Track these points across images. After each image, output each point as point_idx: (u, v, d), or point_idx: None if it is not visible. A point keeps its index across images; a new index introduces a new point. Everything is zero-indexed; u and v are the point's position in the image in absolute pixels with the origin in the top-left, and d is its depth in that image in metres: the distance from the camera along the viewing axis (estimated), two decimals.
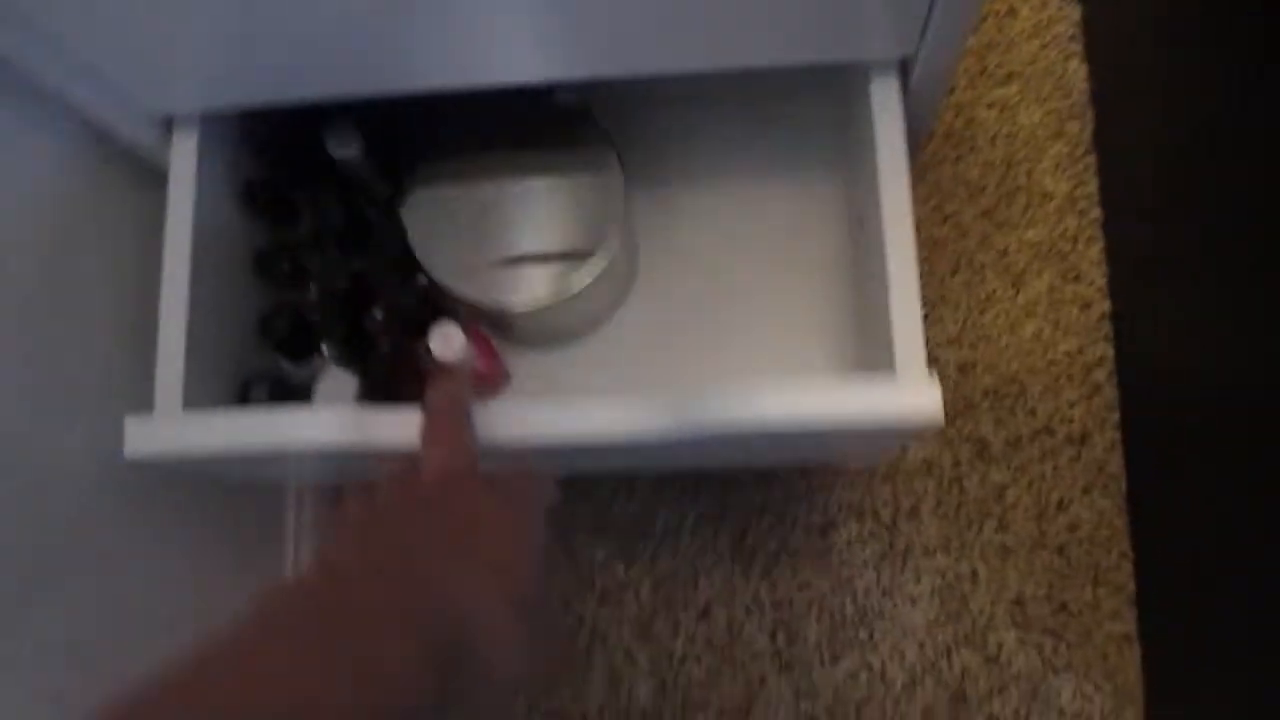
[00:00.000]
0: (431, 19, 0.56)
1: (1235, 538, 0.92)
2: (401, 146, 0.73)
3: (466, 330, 0.68)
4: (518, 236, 0.71)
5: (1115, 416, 1.07)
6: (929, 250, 1.12)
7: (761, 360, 0.81)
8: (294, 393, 0.73)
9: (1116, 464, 1.06)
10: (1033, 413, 1.07)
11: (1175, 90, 1.04)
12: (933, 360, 1.08)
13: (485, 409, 0.58)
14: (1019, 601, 1.04)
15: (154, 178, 0.70)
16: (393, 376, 0.72)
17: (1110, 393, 1.07)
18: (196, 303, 0.65)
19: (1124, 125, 1.11)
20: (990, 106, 1.16)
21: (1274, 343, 0.85)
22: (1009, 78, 1.16)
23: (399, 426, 0.58)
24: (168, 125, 0.69)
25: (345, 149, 0.69)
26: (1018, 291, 1.10)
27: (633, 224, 0.73)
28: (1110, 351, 1.08)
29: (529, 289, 0.70)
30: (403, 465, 0.52)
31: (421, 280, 0.72)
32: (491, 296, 0.70)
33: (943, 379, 1.07)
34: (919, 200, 1.13)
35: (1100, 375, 1.08)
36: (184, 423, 0.62)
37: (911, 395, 0.60)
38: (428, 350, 0.67)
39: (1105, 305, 1.09)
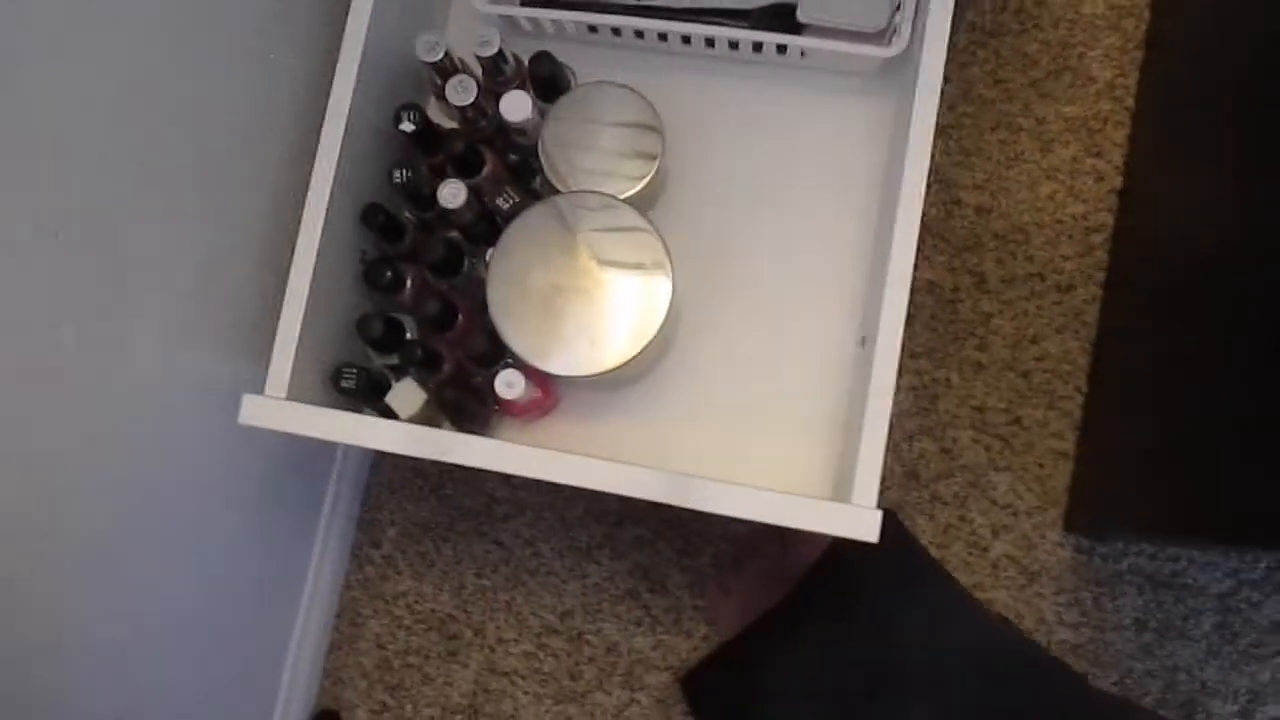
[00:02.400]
0: None
1: (1171, 395, 1.11)
2: (501, 222, 0.90)
3: (524, 368, 0.86)
4: (576, 314, 0.85)
5: (1101, 276, 1.26)
6: (976, 106, 1.30)
7: (759, 436, 0.94)
8: (376, 383, 0.91)
9: (1091, 314, 1.25)
10: (1030, 259, 1.27)
11: (1227, 5, 1.20)
12: (955, 201, 1.28)
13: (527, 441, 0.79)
14: (980, 409, 1.25)
15: None
16: (458, 398, 0.90)
17: (1101, 255, 1.26)
18: (314, 295, 0.85)
19: (1175, 27, 1.27)
20: None
21: (1246, 231, 1.02)
22: None
23: (452, 445, 0.79)
24: None
25: (455, 201, 0.87)
26: (1044, 155, 1.28)
27: (677, 309, 0.87)
28: (1110, 221, 1.27)
29: (579, 360, 0.85)
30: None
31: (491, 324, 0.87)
32: (547, 363, 0.85)
33: (960, 218, 1.28)
34: (978, 63, 1.31)
35: (1097, 239, 1.26)
36: (288, 409, 0.82)
37: (854, 522, 0.77)
38: (491, 387, 0.86)
39: (1117, 181, 1.27)
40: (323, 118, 0.87)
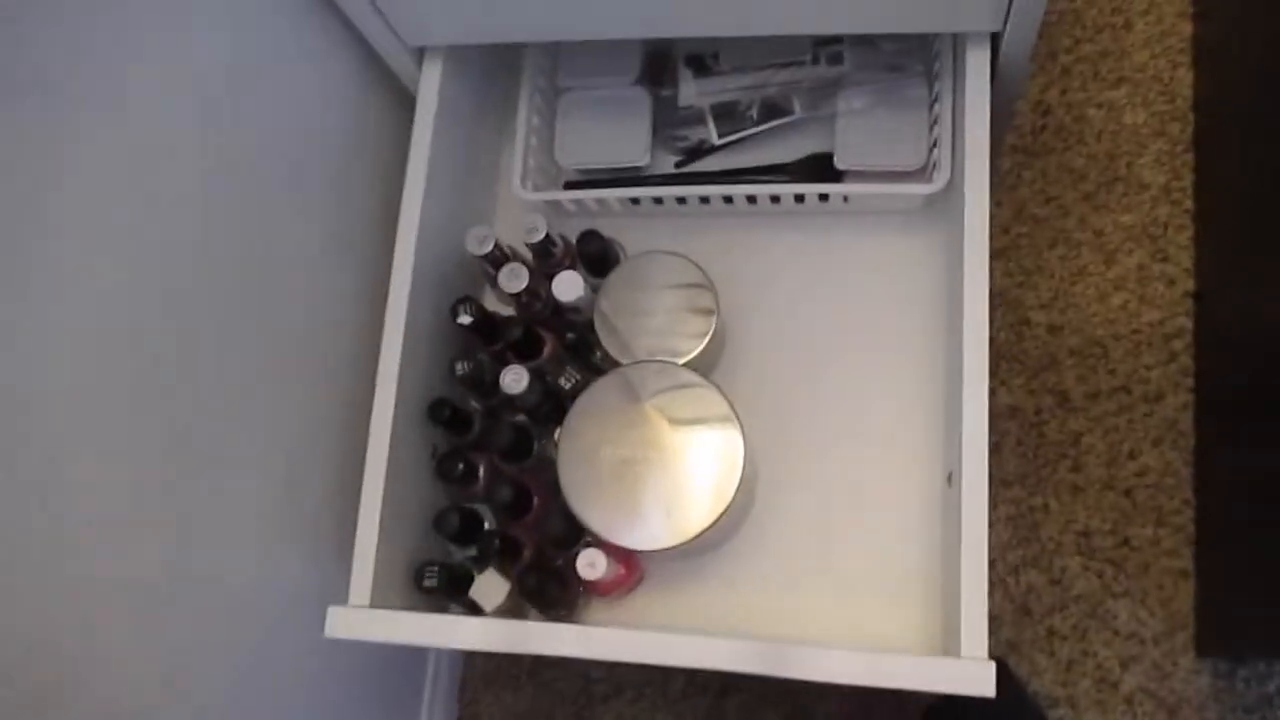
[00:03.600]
0: None
1: None
2: (565, 401, 0.90)
3: (605, 545, 0.85)
4: (651, 484, 0.85)
5: (1189, 381, 1.21)
6: (1030, 226, 1.29)
7: (853, 590, 0.91)
8: (459, 577, 0.90)
9: (1186, 422, 1.20)
10: (1112, 372, 1.23)
11: (1271, 99, 1.19)
12: (1024, 322, 1.26)
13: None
14: (1085, 533, 1.19)
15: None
16: (540, 584, 0.88)
17: (1186, 361, 1.22)
18: (388, 497, 0.85)
19: (1223, 128, 1.27)
20: (1099, 106, 1.32)
21: None
22: (1119, 82, 1.33)
23: (539, 635, 0.79)
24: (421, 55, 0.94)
25: (518, 387, 0.89)
26: (1109, 267, 1.26)
27: (753, 468, 0.86)
28: (1189, 325, 1.23)
29: (659, 532, 0.84)
30: None
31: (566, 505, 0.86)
32: (627, 539, 0.84)
33: (1032, 339, 1.25)
34: (1026, 183, 1.31)
35: (1178, 345, 1.23)
36: (372, 618, 0.82)
37: (966, 677, 0.72)
38: (579, 577, 0.85)
39: (1189, 284, 1.24)
40: (383, 320, 0.89)
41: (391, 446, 0.86)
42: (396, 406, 0.87)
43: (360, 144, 0.99)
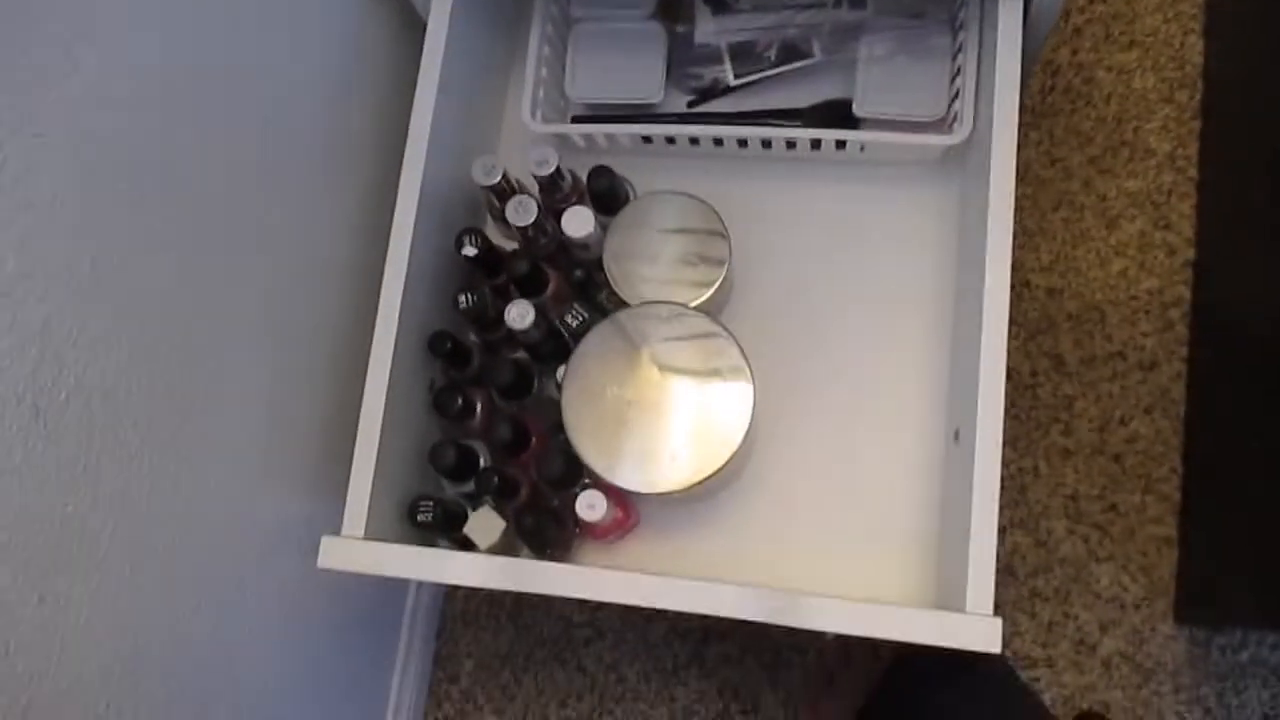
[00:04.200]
0: None
1: (1277, 465, 1.06)
2: (569, 340, 0.88)
3: (604, 487, 0.84)
4: (656, 428, 0.83)
5: (1184, 351, 1.22)
6: (1034, 187, 1.28)
7: (851, 543, 0.90)
8: (452, 513, 0.88)
9: (1179, 391, 1.21)
10: (1109, 338, 1.23)
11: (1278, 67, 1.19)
12: (1023, 284, 1.25)
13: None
14: (1073, 497, 1.20)
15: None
16: (537, 523, 0.88)
17: (1182, 330, 1.22)
18: (385, 430, 0.83)
19: (1231, 97, 1.26)
20: (1109, 69, 1.31)
21: None
22: (1130, 45, 1.32)
23: (540, 574, 0.77)
24: None
25: (523, 322, 0.86)
26: (1110, 232, 1.26)
27: (756, 416, 0.83)
28: (1188, 294, 1.23)
29: (662, 476, 0.82)
30: None
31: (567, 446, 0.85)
32: (629, 482, 0.82)
33: (1031, 301, 1.25)
34: (1032, 144, 1.30)
35: (1175, 314, 1.23)
36: (367, 550, 0.80)
37: (973, 632, 0.72)
38: (577, 519, 0.84)
39: (1190, 253, 1.24)
40: (383, 246, 0.87)
41: (390, 378, 0.84)
42: (398, 337, 0.85)
43: (360, 66, 0.96)
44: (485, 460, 0.94)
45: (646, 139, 0.98)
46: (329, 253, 0.93)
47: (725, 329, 0.84)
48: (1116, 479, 1.19)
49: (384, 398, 0.84)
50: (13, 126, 0.57)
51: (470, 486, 0.91)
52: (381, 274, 0.86)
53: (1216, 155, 1.26)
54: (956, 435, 0.86)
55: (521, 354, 0.94)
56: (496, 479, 0.86)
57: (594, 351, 0.85)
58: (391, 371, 0.84)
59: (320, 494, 0.91)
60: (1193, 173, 1.27)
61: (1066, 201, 1.27)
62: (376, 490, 0.83)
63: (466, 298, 0.90)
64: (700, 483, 0.82)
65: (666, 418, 0.83)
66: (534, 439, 0.90)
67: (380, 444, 0.83)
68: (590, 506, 0.84)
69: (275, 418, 0.87)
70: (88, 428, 0.65)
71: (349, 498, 0.82)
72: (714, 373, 0.84)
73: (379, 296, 0.86)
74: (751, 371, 0.83)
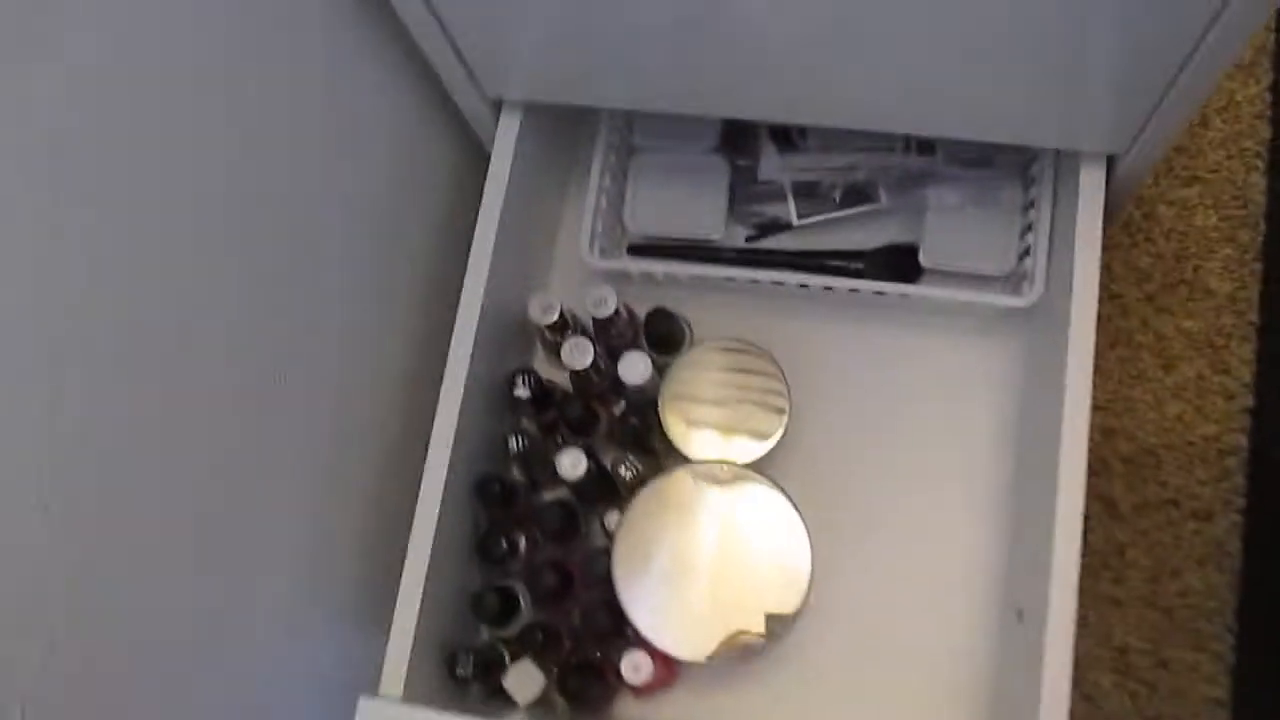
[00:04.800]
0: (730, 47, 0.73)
1: None
2: (615, 488, 0.87)
3: (649, 646, 0.82)
4: (706, 598, 0.82)
5: (1241, 502, 1.19)
6: None
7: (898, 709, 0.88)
8: (491, 662, 0.86)
9: (1234, 544, 1.18)
10: (1163, 484, 1.20)
11: None
12: None
13: None
14: (1122, 650, 1.16)
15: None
16: (579, 685, 0.86)
17: (1239, 480, 1.20)
18: (429, 580, 0.80)
19: None
20: (1170, 204, 1.29)
21: None
22: (1192, 180, 1.30)
23: None
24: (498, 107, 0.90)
25: (575, 472, 0.84)
26: (1168, 374, 1.24)
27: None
28: (1245, 443, 1.20)
29: (709, 643, 0.81)
30: None
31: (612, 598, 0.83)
32: (676, 647, 0.82)
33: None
34: None
35: (1233, 462, 1.20)
36: (407, 716, 0.77)
37: None
38: (618, 673, 0.82)
39: (1248, 400, 1.22)
40: (431, 367, 0.85)
41: (438, 526, 0.82)
42: (447, 482, 0.83)
43: (418, 190, 0.95)
44: (525, 602, 0.91)
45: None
46: (376, 374, 0.92)
47: (792, 503, 0.83)
48: (1167, 633, 1.16)
49: (429, 549, 0.82)
50: None
51: (510, 629, 0.88)
52: (426, 395, 0.85)
53: (1277, 299, 1.24)
54: (1020, 615, 0.83)
55: (566, 494, 0.92)
56: (540, 634, 0.84)
57: (648, 510, 0.84)
58: (439, 519, 0.82)
59: (354, 631, 0.88)
60: (1253, 316, 1.24)
61: (1124, 339, 1.25)
62: (417, 644, 0.80)
63: (518, 440, 0.88)
64: (747, 651, 0.80)
65: (719, 586, 0.81)
66: (577, 585, 0.88)
67: (423, 595, 0.81)
68: (635, 669, 0.82)
69: (316, 555, 0.85)
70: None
71: (389, 651, 0.80)
72: (770, 544, 0.82)
73: (427, 420, 0.84)
74: (811, 546, 0.81)
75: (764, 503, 0.83)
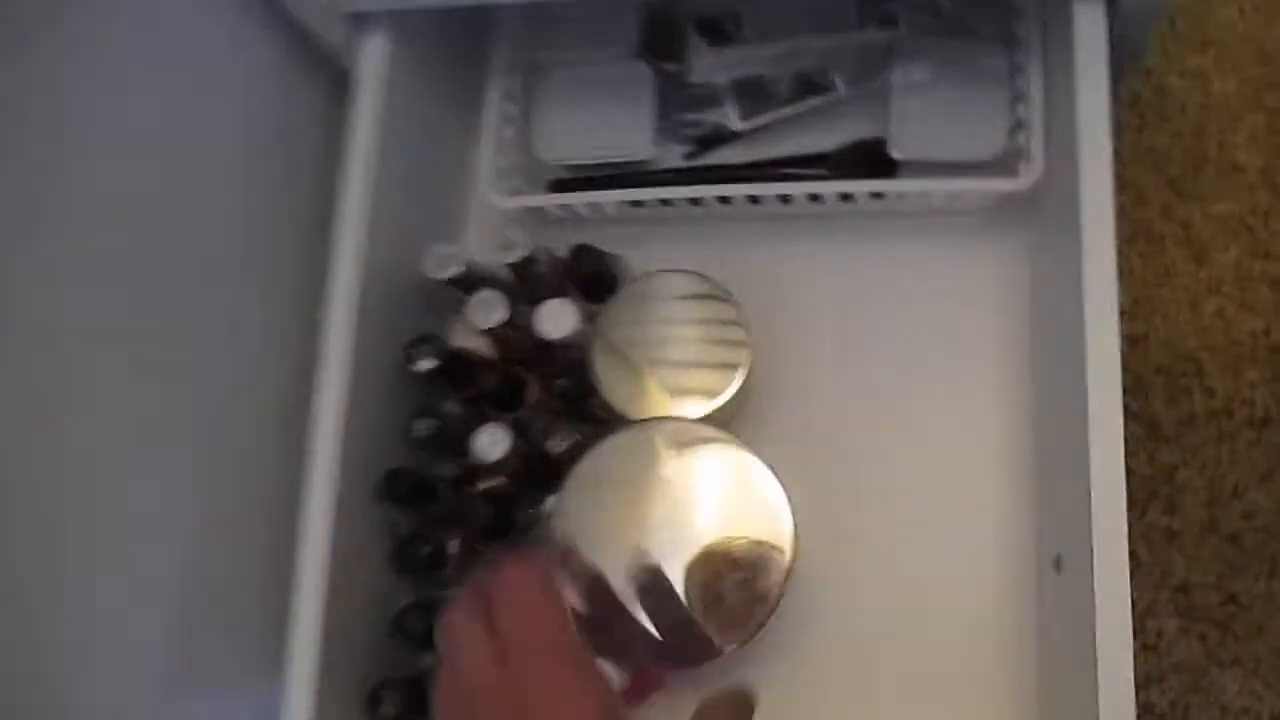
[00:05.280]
0: None
1: None
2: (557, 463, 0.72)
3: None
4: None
5: None
6: None
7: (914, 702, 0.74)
8: (422, 691, 0.69)
9: None
10: (1210, 392, 1.05)
11: None
12: None
13: None
14: (1183, 588, 1.01)
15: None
16: None
17: None
18: (331, 605, 0.67)
19: None
20: (1181, 75, 1.14)
21: None
22: (1204, 44, 1.14)
23: None
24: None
25: (495, 452, 0.71)
26: (1200, 266, 1.08)
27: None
28: None
29: (670, 652, 0.69)
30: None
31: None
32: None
33: None
34: None
35: None
36: None
37: None
38: None
39: None
40: (311, 369, 0.70)
41: (334, 536, 0.67)
42: (339, 483, 0.68)
43: (287, 143, 0.80)
44: None
45: (638, 204, 0.81)
46: (252, 365, 0.77)
47: (769, 468, 0.69)
48: (1234, 563, 1.01)
49: (322, 571, 0.67)
50: None
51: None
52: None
53: None
54: (1057, 563, 0.68)
55: (499, 480, 0.77)
56: None
57: (587, 484, 0.68)
58: (334, 525, 0.68)
59: (269, 671, 0.74)
60: None
61: (1144, 233, 1.09)
62: (325, 688, 0.66)
63: (424, 424, 0.73)
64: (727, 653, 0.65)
65: (682, 576, 0.66)
66: None
67: (324, 627, 0.66)
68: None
69: (191, 587, 0.70)
70: None
71: (287, 702, 0.65)
72: (742, 513, 0.67)
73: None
74: (793, 518, 0.67)
75: (738, 474, 0.68)
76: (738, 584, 0.68)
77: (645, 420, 0.71)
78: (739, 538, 0.68)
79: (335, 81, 0.79)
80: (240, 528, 0.75)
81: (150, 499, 0.67)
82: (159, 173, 0.67)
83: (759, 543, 0.67)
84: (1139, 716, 0.98)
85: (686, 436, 0.69)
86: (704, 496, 0.68)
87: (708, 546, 0.67)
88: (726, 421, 0.75)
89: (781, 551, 0.67)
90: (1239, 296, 1.07)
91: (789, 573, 0.67)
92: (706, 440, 0.69)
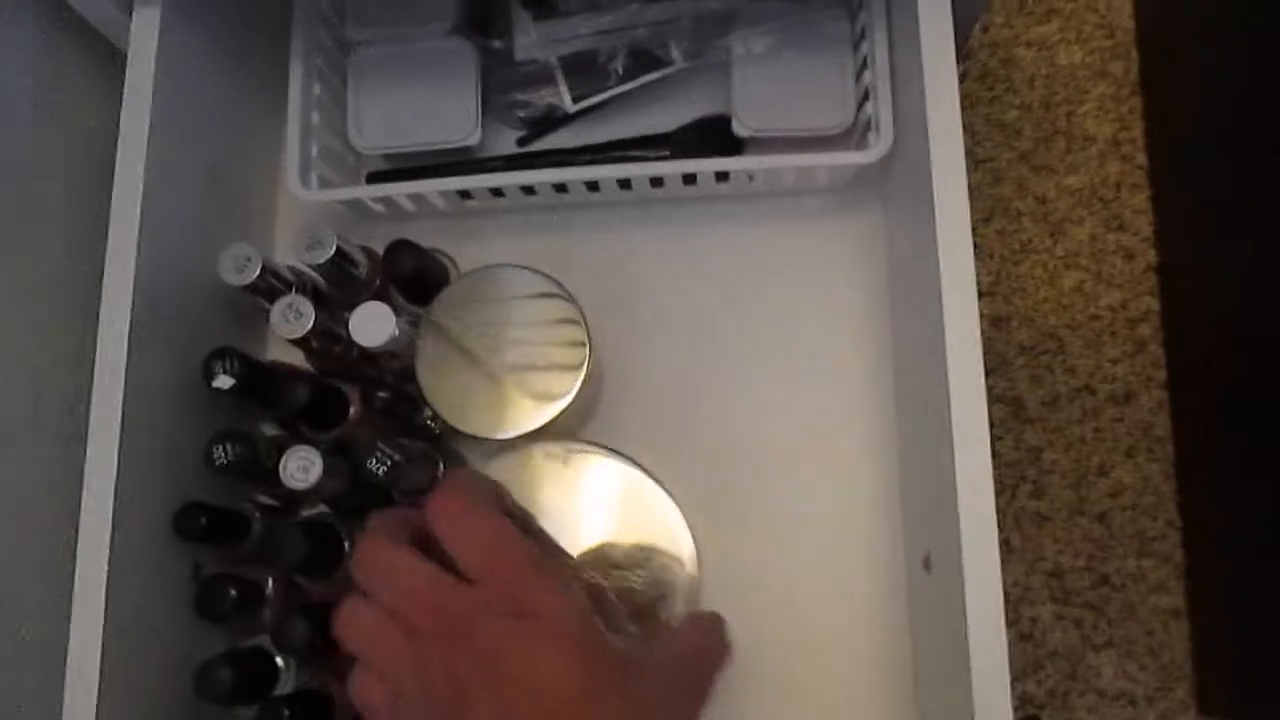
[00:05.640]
0: None
1: None
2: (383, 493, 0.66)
3: None
4: None
5: (1162, 375, 1.03)
6: None
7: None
8: None
9: (1163, 426, 1.02)
10: (1072, 370, 1.03)
11: (1228, 28, 1.00)
12: None
13: None
14: (1055, 573, 0.99)
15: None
16: None
17: (1156, 350, 1.03)
18: (114, 665, 0.58)
19: (1173, 65, 1.08)
20: (1029, 45, 1.12)
21: None
22: (1049, 15, 1.13)
23: None
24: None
25: (307, 478, 0.62)
26: (1056, 241, 1.07)
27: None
28: (1156, 305, 1.04)
29: None
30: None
31: None
32: None
33: None
34: None
35: (1145, 330, 1.04)
36: None
37: None
38: None
39: (1151, 256, 1.06)
40: (87, 394, 0.61)
41: (112, 584, 0.58)
42: (117, 520, 0.59)
43: (54, 133, 0.71)
44: (286, 664, 0.68)
45: (465, 194, 0.74)
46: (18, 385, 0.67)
47: (636, 464, 0.62)
48: (1104, 544, 0.99)
49: (101, 614, 0.58)
50: None
51: (271, 706, 0.65)
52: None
53: (1165, 135, 1.07)
54: (926, 562, 0.64)
55: (319, 510, 0.69)
56: (312, 703, 0.62)
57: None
58: (112, 570, 0.59)
59: None
60: (1141, 159, 1.08)
61: (1000, 209, 1.07)
62: None
63: (224, 449, 0.64)
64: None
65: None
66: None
67: (101, 696, 0.57)
68: None
69: None
70: None
71: None
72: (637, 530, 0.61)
73: None
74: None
75: (606, 479, 0.62)
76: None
77: (484, 439, 0.64)
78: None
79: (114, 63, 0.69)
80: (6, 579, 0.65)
81: None
82: None
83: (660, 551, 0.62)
84: (1018, 708, 0.96)
85: (564, 452, 0.63)
86: (599, 514, 0.62)
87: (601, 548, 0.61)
88: (576, 426, 0.69)
89: (681, 563, 0.62)
90: (1096, 270, 1.06)
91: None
92: (585, 453, 0.63)
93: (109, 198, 0.63)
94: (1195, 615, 0.97)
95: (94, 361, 0.61)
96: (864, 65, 0.71)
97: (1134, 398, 1.02)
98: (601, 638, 0.44)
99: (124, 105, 0.64)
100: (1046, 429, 1.02)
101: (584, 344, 0.66)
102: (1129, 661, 0.98)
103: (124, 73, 0.66)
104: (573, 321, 0.67)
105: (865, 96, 0.71)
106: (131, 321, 0.61)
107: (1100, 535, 1.00)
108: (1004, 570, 0.95)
